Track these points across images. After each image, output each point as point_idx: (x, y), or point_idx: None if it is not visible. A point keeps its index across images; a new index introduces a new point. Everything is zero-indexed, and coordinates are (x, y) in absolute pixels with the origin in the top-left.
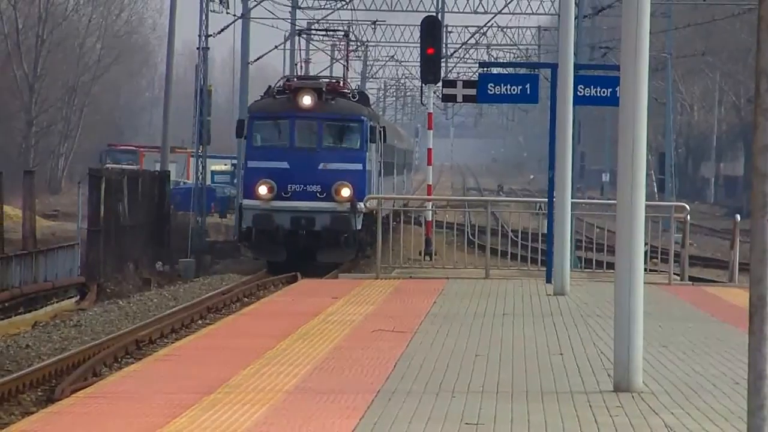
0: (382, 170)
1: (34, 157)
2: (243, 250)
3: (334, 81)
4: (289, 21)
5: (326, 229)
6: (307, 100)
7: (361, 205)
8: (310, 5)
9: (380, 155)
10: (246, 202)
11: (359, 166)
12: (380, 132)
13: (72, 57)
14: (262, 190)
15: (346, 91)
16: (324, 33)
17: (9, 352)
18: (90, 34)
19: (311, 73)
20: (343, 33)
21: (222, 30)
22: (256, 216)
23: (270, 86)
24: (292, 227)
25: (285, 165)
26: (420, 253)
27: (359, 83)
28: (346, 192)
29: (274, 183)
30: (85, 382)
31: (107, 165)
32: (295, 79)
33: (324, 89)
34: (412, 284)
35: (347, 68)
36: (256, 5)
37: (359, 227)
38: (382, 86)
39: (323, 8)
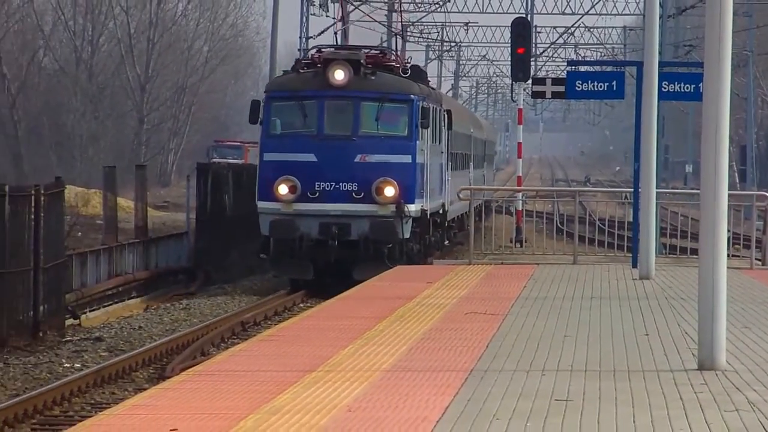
0: (449, 163)
1: (146, 152)
2: (200, 282)
3: (376, 51)
4: (385, 24)
5: (365, 238)
6: (339, 75)
7: (409, 207)
8: (406, 8)
9: (444, 144)
10: (263, 204)
11: (407, 159)
12: (444, 116)
13: (181, 59)
14: (283, 189)
15: (391, 63)
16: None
17: (123, 333)
18: (197, 37)
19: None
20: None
21: (322, 32)
22: (275, 222)
23: (297, 59)
24: (322, 236)
25: (312, 158)
26: (511, 241)
27: (453, 82)
28: (389, 191)
29: (297, 181)
30: (194, 361)
31: (214, 159)
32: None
33: (362, 61)
34: (503, 270)
35: (404, 39)
36: (354, 9)
37: (407, 236)
38: (475, 84)
39: (418, 11)
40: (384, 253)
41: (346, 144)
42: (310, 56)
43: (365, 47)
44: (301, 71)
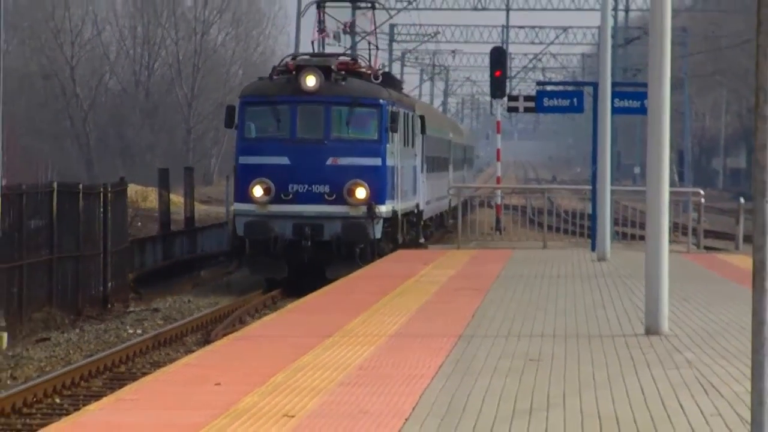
0: (425, 165)
1: (192, 156)
2: (235, 265)
3: (347, 58)
4: (387, 51)
5: (337, 238)
6: (311, 81)
7: (380, 208)
8: (404, 39)
9: (418, 148)
10: (238, 206)
11: (377, 161)
12: (417, 120)
13: (220, 81)
14: (257, 191)
15: (362, 70)
16: (415, 60)
17: (175, 305)
18: (233, 63)
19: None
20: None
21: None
22: (250, 224)
23: (274, 66)
24: (295, 237)
25: (285, 161)
26: (491, 229)
27: (443, 99)
28: (361, 193)
29: (271, 183)
30: (234, 328)
31: None
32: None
33: (333, 68)
34: (486, 253)
35: (376, 46)
36: (361, 39)
37: (379, 236)
38: (461, 101)
39: (414, 41)
40: (356, 252)
41: (317, 147)
42: (284, 63)
43: (338, 54)
44: (275, 77)
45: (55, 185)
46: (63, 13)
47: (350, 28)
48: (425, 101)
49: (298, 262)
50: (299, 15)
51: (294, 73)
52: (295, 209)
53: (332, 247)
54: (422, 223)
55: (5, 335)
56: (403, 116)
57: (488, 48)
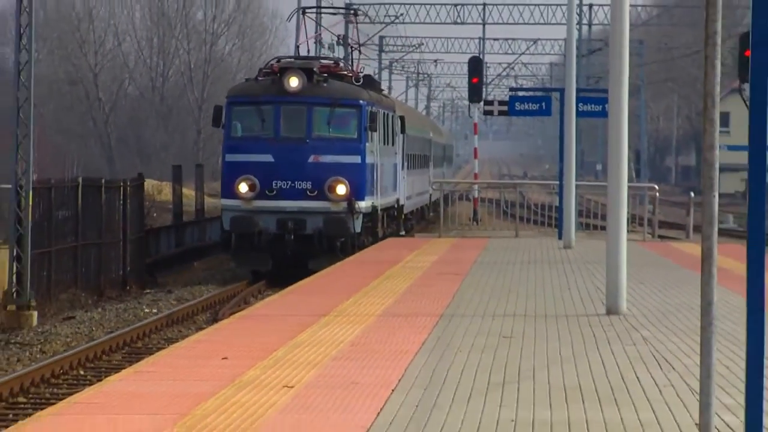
0: (405, 163)
1: (202, 155)
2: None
3: (329, 61)
4: (377, 60)
5: (319, 232)
6: (294, 82)
7: (360, 203)
8: (392, 49)
9: (398, 146)
10: (225, 202)
11: (357, 159)
12: (398, 120)
13: (227, 87)
14: (243, 188)
15: (344, 72)
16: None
17: (187, 287)
18: (239, 70)
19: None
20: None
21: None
22: (236, 218)
23: (260, 69)
24: (279, 231)
25: (269, 158)
26: (469, 220)
27: (426, 104)
28: (341, 189)
29: (256, 180)
30: (239, 308)
31: None
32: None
33: (315, 70)
34: (464, 241)
35: (359, 51)
36: (353, 51)
37: (359, 230)
38: (442, 105)
39: (400, 52)
40: (337, 246)
41: (300, 146)
42: (269, 65)
43: (321, 57)
44: (260, 79)
45: (80, 180)
46: (87, 26)
47: (343, 40)
48: (410, 105)
49: (281, 255)
50: (298, 29)
51: (278, 74)
52: (279, 205)
53: (314, 240)
54: (403, 217)
55: (35, 314)
56: (383, 116)
57: (466, 58)
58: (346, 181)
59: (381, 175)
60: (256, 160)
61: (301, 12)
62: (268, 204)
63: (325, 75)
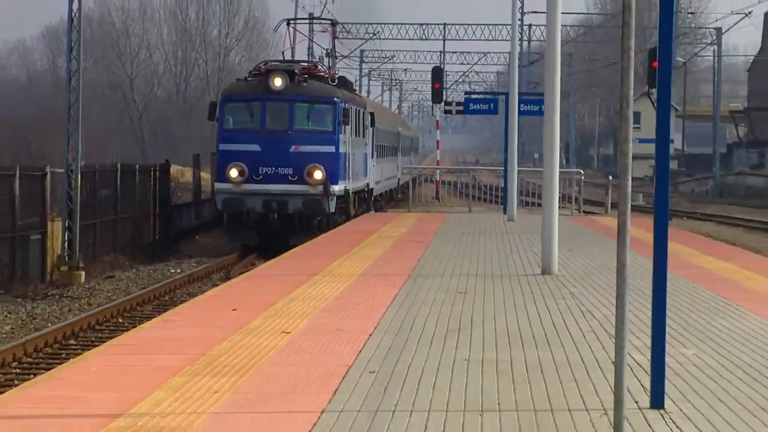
0: (375, 152)
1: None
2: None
3: (309, 64)
4: (358, 69)
5: (299, 212)
6: (278, 82)
7: (334, 187)
8: (370, 60)
9: (368, 138)
10: (218, 185)
11: (332, 149)
12: (368, 116)
13: None
14: (233, 173)
15: (321, 74)
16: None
17: (205, 252)
18: None
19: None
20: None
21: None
22: (227, 199)
23: (250, 71)
24: (264, 211)
25: (256, 148)
26: (433, 198)
27: (398, 104)
28: (318, 175)
29: (245, 166)
30: (246, 269)
31: None
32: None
33: (297, 72)
34: (428, 215)
35: (333, 56)
36: (339, 61)
37: (333, 210)
38: (411, 105)
39: (377, 62)
40: (314, 224)
41: (283, 137)
42: (257, 68)
43: (302, 61)
44: (249, 79)
45: (118, 165)
46: (125, 41)
47: (332, 53)
48: (386, 106)
49: (266, 231)
50: (293, 38)
51: (265, 75)
52: (265, 188)
53: (294, 219)
54: (372, 198)
55: (83, 273)
56: (355, 112)
57: (430, 67)
58: (323, 168)
59: (353, 163)
60: (245, 149)
61: (286, 23)
62: (255, 187)
63: (306, 76)
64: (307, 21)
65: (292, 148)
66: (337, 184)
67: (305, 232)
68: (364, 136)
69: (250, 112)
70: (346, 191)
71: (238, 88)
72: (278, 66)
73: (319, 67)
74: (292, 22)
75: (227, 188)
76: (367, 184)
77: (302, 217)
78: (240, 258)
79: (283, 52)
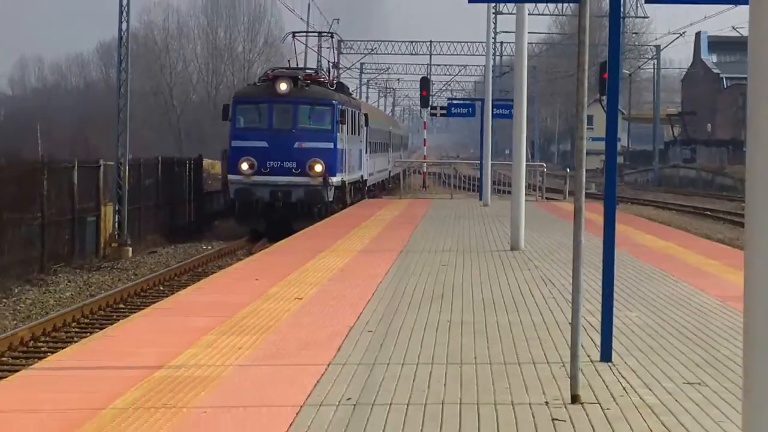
0: (368, 149)
1: None
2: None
3: (311, 71)
4: (358, 80)
5: (301, 201)
6: (283, 86)
7: (332, 179)
8: (368, 72)
9: (363, 136)
10: (231, 177)
11: (330, 145)
12: (362, 117)
13: None
14: (244, 166)
15: (322, 80)
16: (375, 85)
17: (231, 232)
18: None
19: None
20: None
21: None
22: (239, 190)
23: (260, 77)
24: (271, 199)
25: (264, 144)
26: (420, 187)
27: (391, 109)
28: (318, 168)
29: (254, 160)
30: (265, 245)
31: None
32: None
33: (300, 77)
34: (417, 202)
35: (337, 67)
36: (343, 71)
37: (331, 199)
38: (403, 109)
39: (374, 73)
40: (315, 211)
41: (288, 135)
42: (266, 74)
43: (305, 68)
44: (258, 84)
45: (159, 159)
46: (165, 56)
47: (336, 65)
48: (381, 109)
49: (273, 218)
50: (306, 52)
51: (272, 81)
52: (271, 179)
53: (297, 207)
54: (366, 188)
55: (130, 249)
56: (351, 113)
57: (419, 77)
58: (322, 162)
59: (349, 157)
60: (254, 145)
61: (291, 35)
62: (263, 179)
63: (308, 81)
64: (311, 34)
65: (296, 144)
66: (335, 176)
67: (306, 219)
68: (359, 134)
69: (258, 112)
70: (343, 182)
71: (248, 92)
72: (284, 72)
73: (320, 73)
74: (297, 34)
75: (239, 180)
76: (362, 176)
77: (304, 206)
78: (249, 242)
79: (288, 61)
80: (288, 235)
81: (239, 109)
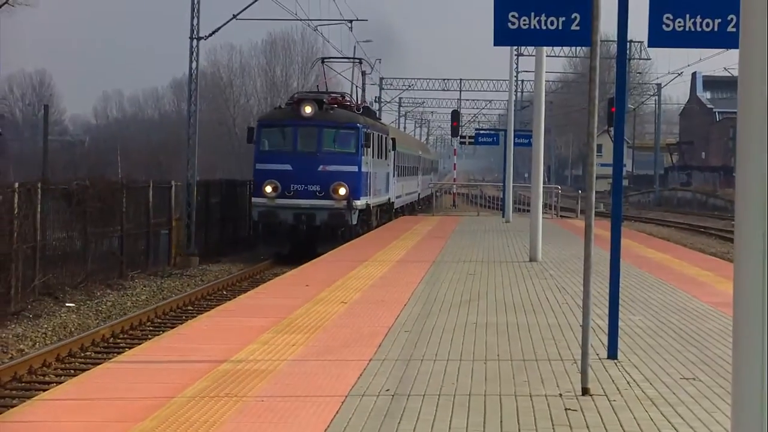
0: (396, 172)
1: None
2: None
3: (336, 95)
4: (397, 112)
5: (325, 224)
6: (308, 110)
7: (356, 202)
8: (406, 105)
9: (390, 160)
10: (255, 199)
11: (354, 168)
12: (390, 141)
13: None
14: (268, 189)
15: (347, 103)
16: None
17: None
18: None
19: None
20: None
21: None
22: (263, 212)
23: (286, 101)
24: (295, 222)
25: (288, 167)
26: (450, 206)
27: (426, 138)
28: (342, 191)
29: (278, 183)
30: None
31: None
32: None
33: (325, 101)
34: (448, 218)
35: (363, 89)
36: (384, 105)
37: (355, 222)
38: (436, 138)
39: (411, 106)
40: (338, 234)
41: (312, 158)
42: (292, 98)
43: (331, 92)
44: (283, 107)
45: (223, 180)
46: (230, 91)
47: (362, 87)
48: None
49: (296, 241)
50: (337, 77)
51: (297, 104)
52: (295, 202)
53: (321, 230)
54: (393, 211)
55: (197, 258)
56: (377, 137)
57: (450, 110)
58: (346, 185)
59: (374, 181)
60: (278, 168)
61: (320, 61)
62: (287, 202)
63: (334, 105)
64: (340, 60)
65: (320, 168)
66: (359, 199)
67: (330, 242)
68: (386, 158)
69: (283, 135)
70: (368, 205)
71: (272, 115)
72: (308, 96)
73: (346, 97)
74: (326, 60)
75: (263, 202)
76: (389, 199)
77: (327, 228)
78: (274, 264)
79: (317, 86)
80: (311, 258)
81: (264, 132)
